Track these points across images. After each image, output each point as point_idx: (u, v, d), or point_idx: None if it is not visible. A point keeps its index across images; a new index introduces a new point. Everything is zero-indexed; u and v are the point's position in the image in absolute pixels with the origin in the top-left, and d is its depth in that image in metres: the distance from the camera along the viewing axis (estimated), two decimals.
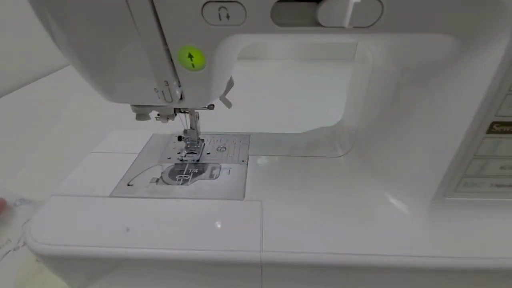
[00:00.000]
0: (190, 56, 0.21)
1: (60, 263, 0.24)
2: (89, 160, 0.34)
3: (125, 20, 0.19)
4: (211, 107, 0.31)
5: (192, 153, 0.35)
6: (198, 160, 0.34)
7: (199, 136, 0.35)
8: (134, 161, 0.34)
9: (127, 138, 0.39)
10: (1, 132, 0.50)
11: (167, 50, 0.20)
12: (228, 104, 0.31)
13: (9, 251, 0.30)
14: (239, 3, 0.18)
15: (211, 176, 0.31)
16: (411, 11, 0.18)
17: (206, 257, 0.22)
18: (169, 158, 0.34)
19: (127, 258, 0.23)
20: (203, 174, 0.32)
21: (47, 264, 0.25)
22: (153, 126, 0.33)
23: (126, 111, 0.29)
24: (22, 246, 0.31)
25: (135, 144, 0.37)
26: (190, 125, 0.34)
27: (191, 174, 0.32)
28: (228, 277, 0.24)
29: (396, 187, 0.28)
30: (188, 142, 0.35)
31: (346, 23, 0.17)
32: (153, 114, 0.30)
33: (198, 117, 0.34)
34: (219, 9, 0.18)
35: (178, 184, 0.30)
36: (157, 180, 0.31)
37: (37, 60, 0.77)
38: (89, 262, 0.24)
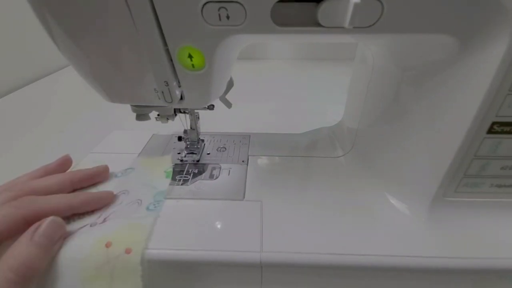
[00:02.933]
0: (190, 56, 0.21)
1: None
2: (89, 160, 0.34)
3: (125, 20, 0.19)
4: (211, 107, 0.31)
5: (192, 153, 0.35)
6: (198, 161, 0.34)
7: (199, 137, 0.35)
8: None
9: (127, 138, 0.39)
10: (1, 132, 0.50)
11: (167, 51, 0.20)
12: (228, 104, 0.31)
13: (86, 225, 0.24)
14: (239, 3, 0.18)
15: (211, 177, 0.31)
16: (411, 11, 0.18)
17: (205, 257, 0.22)
18: None
19: None
20: (203, 175, 0.32)
21: None
22: (153, 126, 0.33)
23: (126, 111, 0.29)
24: (102, 222, 0.24)
25: (135, 144, 0.37)
26: (190, 125, 0.34)
27: (191, 174, 0.32)
28: (228, 277, 0.24)
29: (396, 187, 0.28)
30: (188, 143, 0.35)
31: (346, 23, 0.17)
32: (153, 114, 0.31)
33: (198, 117, 0.34)
34: (219, 9, 0.18)
35: (178, 185, 0.30)
36: None
37: (37, 60, 0.77)
38: None
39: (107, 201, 0.26)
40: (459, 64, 0.20)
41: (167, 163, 0.32)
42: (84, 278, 0.21)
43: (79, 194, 0.26)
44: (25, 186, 0.24)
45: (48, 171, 0.28)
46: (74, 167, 0.31)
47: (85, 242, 0.22)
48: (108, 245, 0.21)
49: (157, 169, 0.31)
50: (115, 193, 0.27)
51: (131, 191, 0.28)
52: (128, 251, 0.21)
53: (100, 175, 0.29)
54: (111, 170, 0.31)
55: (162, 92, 0.23)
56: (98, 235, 0.22)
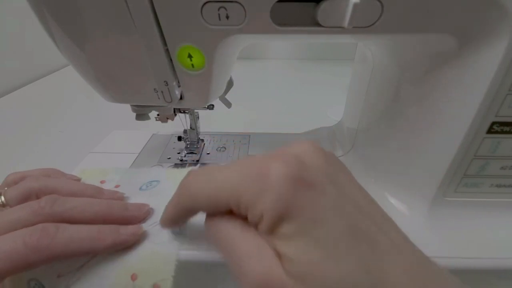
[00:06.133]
0: (190, 56, 0.21)
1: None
2: (89, 160, 0.34)
3: (125, 20, 0.19)
4: (211, 107, 0.31)
5: (192, 153, 0.35)
6: (198, 160, 0.34)
7: (199, 136, 0.35)
8: (134, 161, 0.34)
9: (127, 138, 0.39)
10: (1, 132, 0.50)
11: (167, 50, 0.20)
12: (228, 104, 0.31)
13: None
14: (239, 3, 0.18)
15: None
16: (411, 11, 0.18)
17: (204, 257, 0.22)
18: (169, 158, 0.34)
19: None
20: None
21: None
22: (153, 126, 0.33)
23: (126, 111, 0.29)
24: None
25: (135, 144, 0.37)
26: (190, 125, 0.34)
27: None
28: (227, 277, 0.24)
29: (396, 187, 0.28)
30: (188, 142, 0.35)
31: (345, 23, 0.17)
32: (153, 114, 0.31)
33: (198, 117, 0.34)
34: (219, 9, 0.18)
35: None
36: None
37: (37, 60, 0.77)
38: None
39: (132, 242, 0.22)
40: (458, 64, 0.20)
41: None
42: None
43: (105, 239, 0.21)
44: (54, 209, 0.20)
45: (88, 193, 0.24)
46: (75, 169, 0.31)
47: (108, 270, 0.20)
48: (133, 277, 0.20)
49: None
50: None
51: (155, 210, 0.25)
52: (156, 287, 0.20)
53: (138, 219, 0.24)
54: (132, 181, 0.28)
55: (162, 92, 0.23)
56: (122, 264, 0.21)
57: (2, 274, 0.17)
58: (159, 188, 0.28)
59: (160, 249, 0.22)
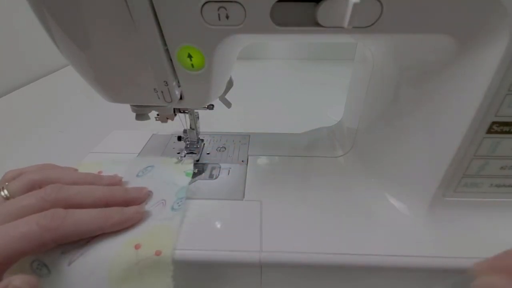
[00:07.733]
0: (190, 56, 0.21)
1: None
2: (89, 160, 0.34)
3: (124, 20, 0.19)
4: (211, 107, 0.31)
5: (191, 153, 0.35)
6: (197, 160, 0.34)
7: (199, 136, 0.35)
8: None
9: (127, 138, 0.39)
10: (1, 132, 0.50)
11: (167, 50, 0.20)
12: (228, 104, 0.31)
13: None
14: (239, 3, 0.18)
15: (211, 176, 0.31)
16: (411, 11, 0.18)
17: (204, 257, 0.22)
18: None
19: None
20: (203, 174, 0.32)
21: None
22: (153, 126, 0.33)
23: (126, 111, 0.29)
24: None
25: (135, 144, 0.37)
26: (190, 125, 0.34)
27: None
28: (227, 277, 0.24)
29: (396, 187, 0.28)
30: (187, 142, 0.35)
31: (345, 23, 0.17)
32: (153, 114, 0.31)
33: (198, 117, 0.34)
34: (219, 9, 0.18)
35: None
36: None
37: (37, 60, 0.78)
38: None
39: (137, 220, 0.23)
40: (458, 64, 0.20)
41: (188, 166, 0.31)
42: (112, 279, 0.20)
43: (112, 217, 0.22)
44: (60, 195, 0.21)
45: (87, 180, 0.25)
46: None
47: (113, 244, 0.21)
48: (137, 247, 0.21)
49: (177, 167, 0.31)
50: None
51: (154, 192, 0.27)
52: (157, 253, 0.21)
53: (139, 200, 0.25)
54: (128, 169, 0.29)
55: (162, 92, 0.23)
56: (127, 237, 0.22)
57: (19, 254, 0.17)
58: (154, 172, 0.30)
59: (162, 223, 0.24)
